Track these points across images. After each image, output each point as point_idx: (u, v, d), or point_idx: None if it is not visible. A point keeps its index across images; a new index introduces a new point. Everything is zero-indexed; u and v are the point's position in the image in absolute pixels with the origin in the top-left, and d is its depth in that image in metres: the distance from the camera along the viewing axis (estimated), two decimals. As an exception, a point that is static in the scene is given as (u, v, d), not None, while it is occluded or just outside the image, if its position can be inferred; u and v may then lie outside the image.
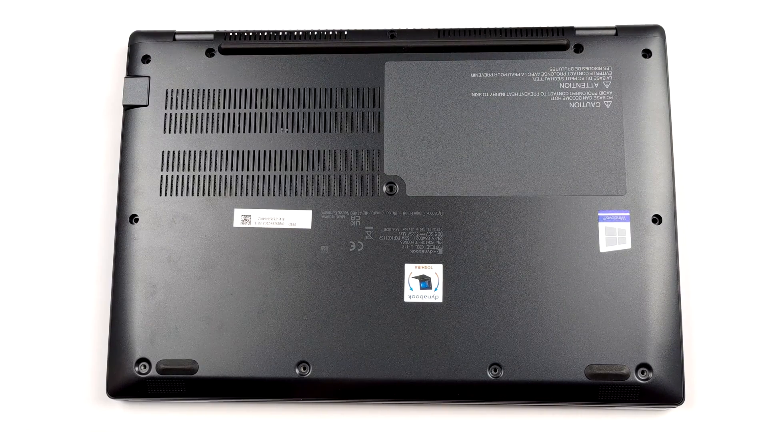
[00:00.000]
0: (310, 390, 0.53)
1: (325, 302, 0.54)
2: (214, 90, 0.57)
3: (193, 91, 0.57)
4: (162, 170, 0.56)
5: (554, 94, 0.56)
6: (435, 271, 0.54)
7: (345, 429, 0.55)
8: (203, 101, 0.57)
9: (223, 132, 0.57)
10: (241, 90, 0.57)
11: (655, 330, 0.52)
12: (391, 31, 0.58)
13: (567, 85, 0.56)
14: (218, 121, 0.57)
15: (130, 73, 0.58)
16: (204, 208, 0.55)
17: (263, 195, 0.55)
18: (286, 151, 0.56)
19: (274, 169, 0.56)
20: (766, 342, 0.55)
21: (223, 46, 0.58)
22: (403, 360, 0.53)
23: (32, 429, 0.55)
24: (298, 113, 0.57)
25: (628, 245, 0.54)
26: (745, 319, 0.55)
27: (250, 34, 0.58)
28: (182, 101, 0.57)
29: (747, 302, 0.56)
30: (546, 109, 0.56)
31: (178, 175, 0.56)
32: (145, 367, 0.53)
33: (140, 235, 0.55)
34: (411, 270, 0.54)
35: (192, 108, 0.57)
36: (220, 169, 0.56)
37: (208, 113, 0.57)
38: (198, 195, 0.56)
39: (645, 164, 0.55)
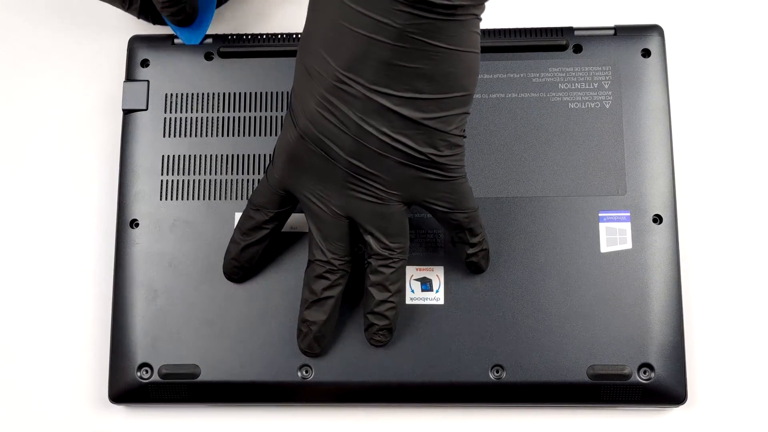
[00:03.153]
0: (312, 393, 0.53)
1: (326, 305, 0.54)
2: (213, 93, 0.57)
3: (193, 94, 0.57)
4: (162, 174, 0.56)
5: (554, 94, 0.56)
6: (436, 273, 0.54)
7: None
8: (202, 105, 0.57)
9: (222, 136, 0.57)
10: (240, 93, 0.57)
11: (657, 330, 0.52)
12: (390, 33, 0.58)
13: (566, 86, 0.56)
14: (218, 124, 0.57)
15: (129, 77, 0.58)
16: (204, 213, 0.55)
17: (264, 198, 0.55)
18: (286, 155, 0.56)
19: (275, 173, 0.56)
20: (767, 341, 0.55)
21: (221, 50, 0.58)
22: (406, 362, 0.53)
23: (34, 435, 0.56)
24: (298, 116, 0.57)
25: (628, 245, 0.54)
26: (747, 318, 0.55)
27: (249, 37, 0.58)
28: (181, 105, 0.57)
29: (748, 301, 0.56)
30: (545, 110, 0.56)
31: (178, 180, 0.56)
32: (147, 372, 0.53)
33: (141, 239, 0.55)
34: (412, 272, 0.54)
35: (191, 112, 0.57)
36: (221, 173, 0.56)
37: (207, 117, 0.57)
38: (198, 199, 0.56)
39: (645, 164, 0.55)
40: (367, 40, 0.42)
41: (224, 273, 0.54)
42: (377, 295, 0.50)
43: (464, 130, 0.47)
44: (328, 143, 0.46)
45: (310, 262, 0.50)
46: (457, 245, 0.51)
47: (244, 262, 0.53)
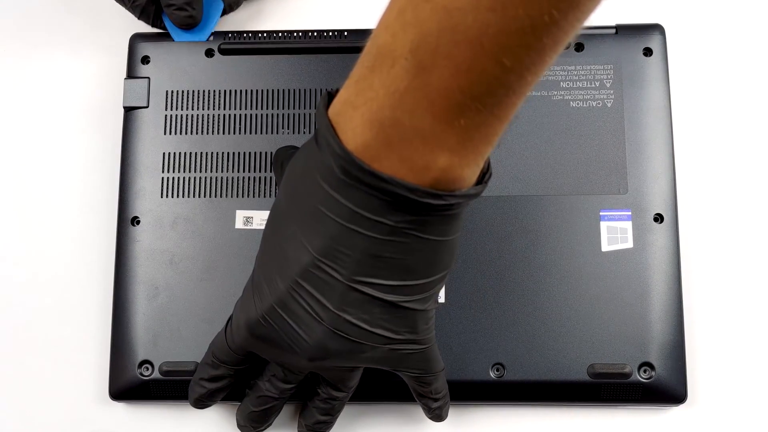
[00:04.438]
0: (313, 391, 0.53)
1: (327, 303, 0.54)
2: (214, 91, 0.57)
3: (193, 92, 0.57)
4: (163, 172, 0.56)
5: (555, 93, 0.56)
6: (437, 272, 0.54)
7: (348, 430, 0.55)
8: (203, 102, 0.57)
9: (223, 133, 0.56)
10: (241, 91, 0.57)
11: (658, 329, 0.53)
12: (392, 30, 0.58)
13: (568, 84, 0.56)
14: (219, 122, 0.57)
15: (130, 74, 0.58)
16: (205, 210, 0.55)
17: (265, 196, 0.55)
18: (288, 152, 0.56)
19: (276, 170, 0.56)
20: (767, 340, 0.55)
21: (222, 47, 0.58)
22: (406, 360, 0.53)
23: (35, 431, 0.56)
24: (299, 114, 0.57)
25: (629, 244, 0.54)
26: (748, 317, 0.56)
27: (249, 34, 0.58)
28: (182, 102, 0.57)
29: (749, 300, 0.56)
30: (547, 109, 0.56)
31: (179, 177, 0.56)
32: (147, 369, 0.53)
33: (142, 237, 0.55)
34: (413, 270, 0.54)
35: (192, 109, 0.57)
36: (222, 171, 0.56)
37: (208, 114, 0.57)
38: (199, 196, 0.56)
39: (646, 163, 0.55)
40: (354, 233, 0.40)
41: (191, 398, 0.51)
42: (321, 417, 0.50)
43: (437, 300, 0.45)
44: (295, 329, 0.43)
45: (260, 391, 0.49)
46: (422, 399, 0.50)
47: (211, 400, 0.51)
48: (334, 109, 0.40)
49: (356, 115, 0.38)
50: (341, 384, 0.49)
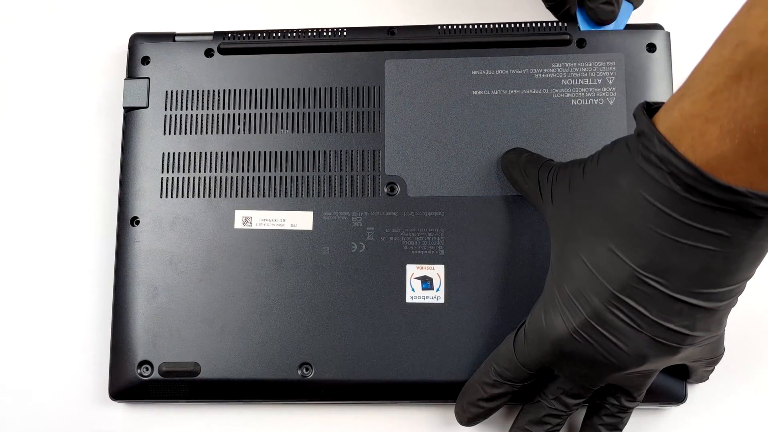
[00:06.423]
0: (312, 391, 0.53)
1: (326, 303, 0.54)
2: (213, 91, 0.57)
3: (193, 92, 0.57)
4: (162, 172, 0.56)
5: (556, 90, 0.56)
6: (437, 272, 0.54)
7: (348, 430, 0.55)
8: (203, 102, 0.57)
9: (223, 133, 0.56)
10: (240, 90, 0.57)
11: (659, 329, 0.52)
12: (391, 28, 0.58)
13: (570, 82, 0.56)
14: (218, 122, 0.57)
15: (130, 74, 0.58)
16: (205, 210, 0.55)
17: (264, 196, 0.55)
18: (287, 152, 0.56)
19: (275, 170, 0.56)
20: (766, 339, 0.55)
21: (222, 46, 0.58)
22: (406, 361, 0.53)
23: (35, 431, 0.56)
24: (298, 113, 0.56)
25: (631, 243, 0.53)
26: (747, 317, 0.55)
27: (249, 33, 0.58)
28: (182, 102, 0.57)
29: (748, 300, 0.55)
30: (548, 107, 0.56)
31: (178, 177, 0.56)
32: (147, 369, 0.53)
33: (141, 237, 0.55)
34: (412, 271, 0.54)
35: (192, 109, 0.57)
36: (221, 171, 0.56)
37: (208, 114, 0.57)
38: (199, 197, 0.56)
39: (649, 161, 0.54)
40: (686, 246, 0.40)
41: (464, 418, 0.51)
42: None
43: None
44: (613, 340, 0.43)
45: (540, 403, 0.50)
46: (697, 371, 0.51)
47: (485, 418, 0.51)
48: (669, 125, 0.39)
49: (711, 128, 0.38)
50: (637, 391, 0.49)
